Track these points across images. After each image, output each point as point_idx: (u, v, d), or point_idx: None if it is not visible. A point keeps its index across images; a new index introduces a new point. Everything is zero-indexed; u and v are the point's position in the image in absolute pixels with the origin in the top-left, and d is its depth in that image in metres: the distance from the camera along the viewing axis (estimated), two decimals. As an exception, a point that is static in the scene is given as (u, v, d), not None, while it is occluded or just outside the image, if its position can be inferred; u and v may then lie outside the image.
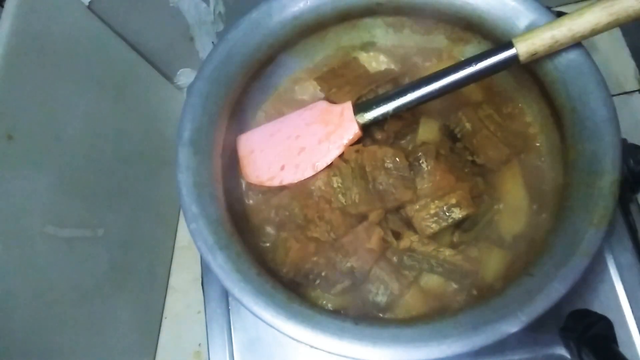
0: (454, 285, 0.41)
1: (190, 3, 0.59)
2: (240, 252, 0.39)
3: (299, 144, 0.45)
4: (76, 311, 0.49)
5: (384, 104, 0.42)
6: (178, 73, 0.72)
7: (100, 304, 0.53)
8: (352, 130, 0.43)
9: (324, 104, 0.46)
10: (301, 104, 0.48)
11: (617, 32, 0.65)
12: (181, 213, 0.68)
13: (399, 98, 0.42)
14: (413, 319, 0.40)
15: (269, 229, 0.45)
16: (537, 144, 0.45)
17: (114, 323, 0.55)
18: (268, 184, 0.45)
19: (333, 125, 0.44)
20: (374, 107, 0.43)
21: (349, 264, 0.41)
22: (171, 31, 0.63)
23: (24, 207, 0.43)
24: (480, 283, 0.41)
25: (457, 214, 0.40)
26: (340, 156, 0.43)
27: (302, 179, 0.44)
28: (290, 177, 0.44)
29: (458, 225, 0.42)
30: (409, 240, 0.40)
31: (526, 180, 0.43)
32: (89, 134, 0.53)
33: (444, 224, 0.40)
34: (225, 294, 0.47)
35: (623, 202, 0.44)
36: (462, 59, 0.40)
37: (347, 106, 0.44)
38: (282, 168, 0.45)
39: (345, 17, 0.48)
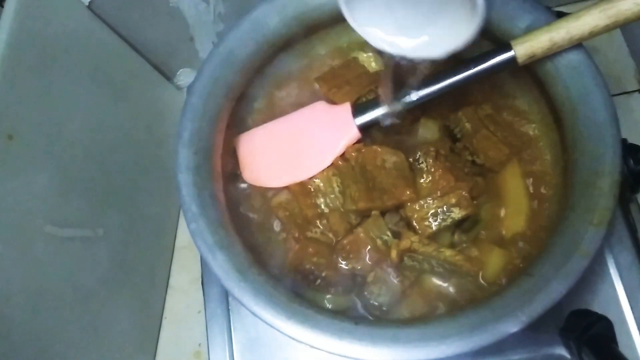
0: (455, 286, 0.41)
1: (190, 3, 0.59)
2: (240, 252, 0.39)
3: (298, 145, 0.45)
4: (76, 311, 0.49)
5: (383, 105, 0.42)
6: (178, 73, 0.72)
7: (100, 303, 0.53)
8: (350, 132, 0.43)
9: (322, 105, 0.46)
10: (301, 104, 0.48)
11: (617, 33, 0.65)
12: (181, 213, 0.68)
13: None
14: (413, 319, 0.40)
15: (269, 229, 0.45)
16: (537, 144, 0.45)
17: (113, 323, 0.55)
18: (267, 184, 0.45)
19: (332, 127, 0.44)
20: (373, 108, 0.43)
21: (349, 265, 0.41)
22: (171, 31, 0.63)
23: (24, 207, 0.43)
24: (481, 283, 0.41)
25: (457, 214, 0.40)
26: (341, 155, 0.43)
27: (301, 179, 0.44)
28: (289, 178, 0.44)
29: (458, 225, 0.42)
30: (409, 240, 0.40)
31: (526, 180, 0.44)
32: (89, 133, 0.53)
33: (444, 224, 0.41)
34: (225, 294, 0.47)
35: (623, 202, 0.44)
36: (462, 60, 0.40)
37: (346, 107, 0.44)
38: (281, 169, 0.45)
39: (345, 18, 0.48)
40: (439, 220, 0.41)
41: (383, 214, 0.42)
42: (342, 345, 0.35)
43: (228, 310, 0.47)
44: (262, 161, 0.46)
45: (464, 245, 0.42)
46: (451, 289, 0.41)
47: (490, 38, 0.44)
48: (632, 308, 0.42)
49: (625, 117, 0.40)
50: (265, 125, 0.47)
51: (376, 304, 0.41)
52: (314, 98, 0.48)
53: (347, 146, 0.43)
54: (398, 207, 0.42)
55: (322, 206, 0.43)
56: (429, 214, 0.41)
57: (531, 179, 0.43)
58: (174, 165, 0.41)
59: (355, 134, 0.43)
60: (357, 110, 0.43)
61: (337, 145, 0.44)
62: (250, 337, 0.45)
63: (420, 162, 0.42)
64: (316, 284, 0.41)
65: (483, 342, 0.33)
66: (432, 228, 0.41)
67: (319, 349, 0.35)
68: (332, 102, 0.46)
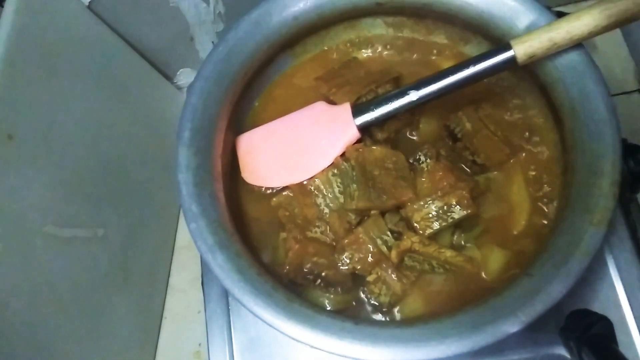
0: (455, 286, 0.41)
1: (190, 3, 0.59)
2: (240, 252, 0.39)
3: (298, 145, 0.45)
4: (76, 311, 0.49)
5: (382, 105, 0.42)
6: (178, 73, 0.72)
7: (101, 303, 0.53)
8: (350, 133, 0.43)
9: (322, 105, 0.46)
10: (301, 104, 0.48)
11: (617, 32, 0.65)
12: (181, 213, 0.68)
13: (397, 100, 0.42)
14: (413, 319, 0.40)
15: (269, 229, 0.45)
16: (538, 144, 0.45)
17: (114, 322, 0.55)
18: (267, 184, 0.45)
19: (331, 127, 0.44)
20: (373, 108, 0.43)
21: (349, 265, 0.41)
22: (171, 31, 0.63)
23: (24, 207, 0.43)
24: (481, 283, 0.41)
25: (457, 214, 0.40)
26: (341, 155, 0.43)
27: (301, 180, 0.44)
28: (289, 178, 0.44)
29: (458, 225, 0.42)
30: (409, 241, 0.40)
31: (526, 180, 0.43)
32: (89, 134, 0.53)
33: (444, 224, 0.40)
34: (225, 294, 0.47)
35: (623, 202, 0.44)
36: (461, 61, 0.40)
37: (346, 108, 0.44)
38: (281, 169, 0.45)
39: (345, 17, 0.48)
40: (439, 220, 0.41)
41: (383, 214, 0.42)
42: (342, 345, 0.35)
43: (228, 310, 0.46)
44: (262, 161, 0.46)
45: (464, 245, 0.42)
46: (451, 289, 0.41)
47: (491, 39, 0.44)
48: (632, 308, 0.42)
49: (625, 117, 0.39)
50: (264, 125, 0.47)
51: (376, 304, 0.41)
52: (314, 98, 0.48)
53: (347, 146, 0.43)
54: (398, 207, 0.42)
55: (322, 206, 0.43)
56: (429, 214, 0.41)
57: (531, 179, 0.43)
58: (174, 165, 0.41)
59: (354, 134, 0.43)
60: (357, 110, 0.43)
61: (337, 145, 0.44)
62: (250, 337, 0.45)
63: (420, 162, 0.42)
64: (316, 284, 0.41)
65: (483, 342, 0.33)
66: (432, 228, 0.41)
67: (319, 349, 0.35)
68: (332, 102, 0.46)
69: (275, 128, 0.47)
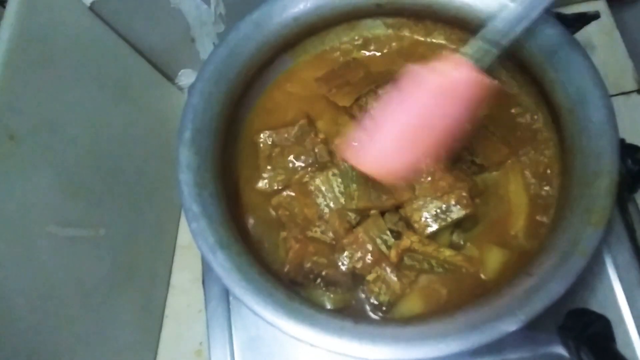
0: (454, 285, 0.41)
1: (192, 4, 0.59)
2: (241, 251, 0.39)
3: (417, 128, 0.37)
4: (78, 310, 0.49)
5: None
6: (179, 74, 0.73)
7: (102, 303, 0.53)
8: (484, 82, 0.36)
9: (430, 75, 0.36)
10: (301, 105, 0.48)
11: (615, 33, 0.65)
12: (182, 213, 0.68)
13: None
14: (413, 318, 0.40)
15: (269, 229, 0.45)
16: (536, 144, 0.45)
17: (115, 322, 0.56)
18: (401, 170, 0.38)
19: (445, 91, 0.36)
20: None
21: (349, 264, 0.41)
22: (172, 32, 0.63)
23: (26, 207, 0.44)
24: (480, 282, 0.41)
25: (456, 213, 0.41)
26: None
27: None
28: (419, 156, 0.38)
29: (458, 225, 0.42)
30: (409, 240, 0.40)
31: (525, 179, 0.44)
32: (90, 134, 0.53)
33: (443, 223, 0.41)
34: (226, 293, 0.47)
35: (621, 201, 0.44)
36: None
37: (461, 67, 0.35)
38: (409, 152, 0.37)
39: (345, 18, 0.48)
40: (438, 220, 0.41)
41: (383, 213, 0.42)
42: (342, 343, 0.35)
43: (229, 309, 0.47)
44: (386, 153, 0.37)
45: (463, 244, 0.42)
46: (451, 289, 0.41)
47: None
48: (630, 307, 0.42)
49: (623, 117, 0.40)
50: (361, 124, 0.40)
51: (376, 303, 0.41)
52: (314, 99, 0.48)
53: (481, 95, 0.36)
54: (398, 207, 0.42)
55: (322, 206, 0.43)
56: (429, 214, 0.41)
57: (530, 179, 0.44)
58: (175, 165, 0.41)
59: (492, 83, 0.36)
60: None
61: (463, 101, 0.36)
62: (250, 335, 0.46)
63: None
64: (316, 283, 0.41)
65: (482, 341, 0.34)
66: (431, 228, 0.41)
67: (319, 347, 0.35)
68: (333, 103, 0.46)
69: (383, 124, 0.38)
